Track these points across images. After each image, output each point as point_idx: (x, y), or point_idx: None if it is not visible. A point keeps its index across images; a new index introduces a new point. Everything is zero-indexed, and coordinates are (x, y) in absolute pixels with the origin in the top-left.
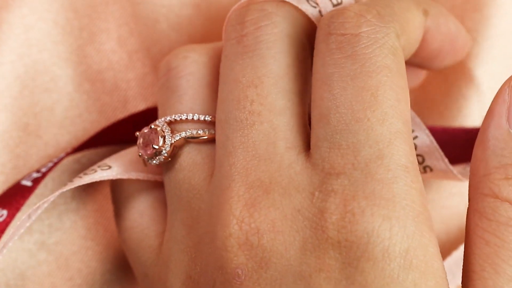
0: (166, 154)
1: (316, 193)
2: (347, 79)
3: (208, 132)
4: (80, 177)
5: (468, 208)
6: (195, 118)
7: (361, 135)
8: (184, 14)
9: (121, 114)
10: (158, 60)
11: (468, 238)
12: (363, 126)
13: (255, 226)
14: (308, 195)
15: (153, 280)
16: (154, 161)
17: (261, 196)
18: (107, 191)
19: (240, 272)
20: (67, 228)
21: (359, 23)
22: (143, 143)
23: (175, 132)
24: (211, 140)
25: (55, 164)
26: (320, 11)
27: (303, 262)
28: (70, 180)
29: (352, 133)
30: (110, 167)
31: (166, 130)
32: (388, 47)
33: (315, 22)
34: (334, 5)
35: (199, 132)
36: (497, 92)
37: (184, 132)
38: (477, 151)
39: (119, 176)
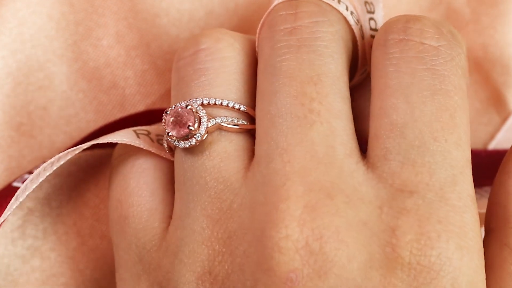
0: (199, 138)
1: (385, 208)
2: (426, 94)
3: (241, 122)
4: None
5: (490, 239)
6: (230, 105)
7: (438, 156)
8: (185, 9)
9: (119, 113)
10: (158, 57)
11: (493, 272)
12: (440, 147)
13: (318, 231)
14: (375, 208)
15: (149, 267)
16: (183, 144)
17: (324, 201)
18: (104, 194)
19: (293, 277)
20: (62, 233)
21: (438, 35)
22: (174, 122)
23: (210, 116)
24: (243, 132)
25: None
26: (358, 20)
27: (366, 278)
28: (66, 183)
29: (430, 152)
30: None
31: (202, 113)
32: (462, 66)
33: (355, 31)
34: (369, 18)
35: (234, 120)
36: None
37: (219, 118)
38: (510, 182)
39: (109, 140)
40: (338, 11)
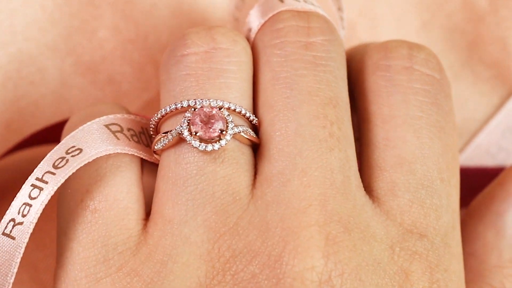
0: (223, 144)
1: (397, 249)
2: (434, 130)
3: (254, 135)
4: (53, 173)
5: None
6: (247, 115)
7: (443, 198)
8: None
9: None
10: (157, 50)
11: None
12: (445, 189)
13: (340, 267)
14: (387, 248)
15: (118, 270)
16: (204, 146)
17: (343, 235)
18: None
19: None
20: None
21: (439, 67)
22: (202, 121)
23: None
24: (251, 145)
25: None
26: None
27: None
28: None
29: (437, 193)
30: (81, 150)
31: (229, 118)
32: (452, 102)
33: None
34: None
35: (249, 131)
36: None
37: (240, 127)
38: (488, 234)
39: (98, 155)
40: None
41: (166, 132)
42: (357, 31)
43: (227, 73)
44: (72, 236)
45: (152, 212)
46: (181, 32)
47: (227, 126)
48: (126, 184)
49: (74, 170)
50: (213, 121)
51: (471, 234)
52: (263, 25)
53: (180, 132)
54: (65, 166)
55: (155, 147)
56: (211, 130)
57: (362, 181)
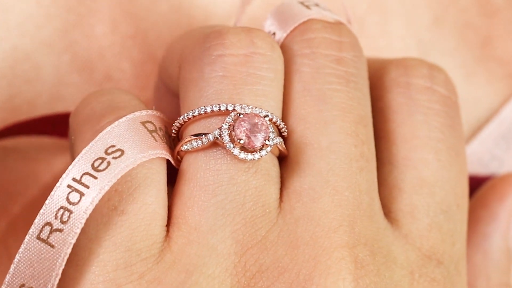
0: (264, 154)
1: (416, 275)
2: (453, 154)
3: (284, 147)
4: (94, 176)
5: None
6: (281, 126)
7: (458, 224)
8: None
9: None
10: (156, 47)
11: None
12: (459, 215)
13: None
14: (407, 274)
15: (140, 277)
16: (244, 155)
17: (369, 258)
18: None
19: None
20: None
21: (454, 89)
22: (250, 130)
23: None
24: (279, 155)
25: None
26: None
27: None
28: None
29: (453, 219)
30: (122, 151)
31: (271, 128)
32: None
33: None
34: None
35: (282, 143)
36: (501, 192)
37: (277, 138)
38: (475, 257)
39: (141, 161)
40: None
41: (198, 135)
42: (366, 27)
43: (265, 80)
44: (93, 236)
45: (173, 216)
46: (215, 29)
47: (269, 137)
48: (156, 188)
49: (119, 176)
50: (257, 130)
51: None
52: (292, 32)
53: (218, 137)
54: (107, 170)
55: (182, 148)
56: (256, 140)
57: (380, 200)
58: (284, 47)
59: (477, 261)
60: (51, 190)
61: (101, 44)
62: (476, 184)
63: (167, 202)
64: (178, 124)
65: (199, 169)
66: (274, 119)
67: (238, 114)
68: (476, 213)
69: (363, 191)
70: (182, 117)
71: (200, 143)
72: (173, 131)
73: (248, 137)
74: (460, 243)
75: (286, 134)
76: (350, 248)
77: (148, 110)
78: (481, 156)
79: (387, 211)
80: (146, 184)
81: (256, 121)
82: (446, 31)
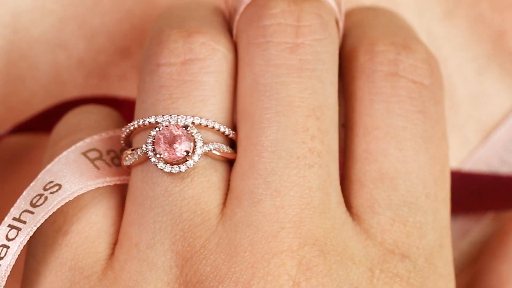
0: (191, 166)
1: (377, 271)
2: (420, 142)
3: (228, 150)
4: (31, 212)
5: None
6: (221, 130)
7: (429, 215)
8: None
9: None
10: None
11: None
12: (431, 205)
13: None
14: (366, 270)
15: None
16: (170, 168)
17: (317, 259)
18: None
19: None
20: None
21: (430, 72)
22: (167, 142)
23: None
24: (226, 160)
25: None
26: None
27: None
28: None
29: (422, 211)
30: (60, 186)
31: (197, 136)
32: (443, 107)
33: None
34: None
35: (222, 147)
36: None
37: (212, 144)
38: (502, 267)
39: (78, 193)
40: (336, 24)
41: (134, 149)
42: None
43: (203, 86)
44: (40, 258)
45: (120, 233)
46: (158, 33)
47: (195, 146)
48: (103, 208)
49: (54, 209)
50: (178, 141)
51: (486, 269)
52: (246, 10)
53: (145, 151)
54: (43, 205)
55: (124, 163)
56: (176, 151)
57: (343, 195)
58: (240, 32)
59: (504, 271)
60: None
61: (98, 39)
62: (495, 180)
63: (118, 221)
64: (123, 138)
65: (138, 183)
66: (210, 125)
67: (160, 127)
68: (506, 226)
69: (313, 188)
70: (123, 130)
71: (134, 158)
72: (122, 143)
73: (168, 150)
74: (434, 234)
75: (233, 136)
76: (293, 251)
77: (95, 136)
78: (490, 160)
79: (349, 206)
80: (93, 203)
81: (176, 132)
82: (457, 24)
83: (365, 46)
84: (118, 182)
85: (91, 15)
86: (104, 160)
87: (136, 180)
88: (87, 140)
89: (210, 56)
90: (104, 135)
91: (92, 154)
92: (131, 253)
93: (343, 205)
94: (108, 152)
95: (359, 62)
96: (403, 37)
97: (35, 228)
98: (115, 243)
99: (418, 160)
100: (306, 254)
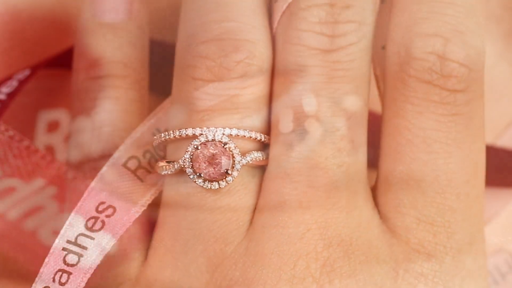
0: (230, 181)
1: (401, 271)
2: (452, 144)
3: (264, 157)
4: (91, 237)
5: None
6: (258, 138)
7: (458, 214)
8: None
9: None
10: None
11: None
12: (462, 203)
13: None
14: (390, 270)
15: None
16: (209, 185)
17: (342, 260)
18: None
19: None
20: None
21: (466, 76)
22: (205, 160)
23: (242, 153)
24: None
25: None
26: None
27: None
28: None
29: (451, 210)
30: (114, 208)
31: (235, 151)
32: (481, 102)
33: None
34: None
35: (258, 156)
36: None
37: (249, 156)
38: None
39: (135, 218)
40: None
41: (170, 162)
42: None
43: (238, 99)
44: None
45: (153, 239)
46: (195, 39)
47: (233, 161)
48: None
49: (117, 236)
50: (217, 160)
51: None
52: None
53: (183, 166)
54: (103, 230)
55: (159, 172)
56: (215, 170)
57: (373, 192)
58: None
59: None
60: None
61: None
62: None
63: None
64: (155, 144)
65: (172, 192)
66: (247, 135)
67: (197, 143)
68: None
69: (341, 188)
70: (157, 137)
71: (171, 170)
72: (154, 146)
73: (207, 170)
74: (463, 232)
75: (267, 140)
76: (318, 252)
77: (127, 140)
78: None
79: (377, 203)
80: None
81: (214, 151)
82: None
83: (403, 48)
84: (161, 189)
85: None
86: (144, 168)
87: (171, 188)
88: (122, 148)
89: (245, 72)
90: (134, 135)
91: (132, 164)
92: (164, 259)
93: (371, 200)
94: (144, 154)
95: (397, 63)
96: (444, 38)
97: (101, 257)
98: (147, 248)
99: (448, 163)
100: (330, 255)
